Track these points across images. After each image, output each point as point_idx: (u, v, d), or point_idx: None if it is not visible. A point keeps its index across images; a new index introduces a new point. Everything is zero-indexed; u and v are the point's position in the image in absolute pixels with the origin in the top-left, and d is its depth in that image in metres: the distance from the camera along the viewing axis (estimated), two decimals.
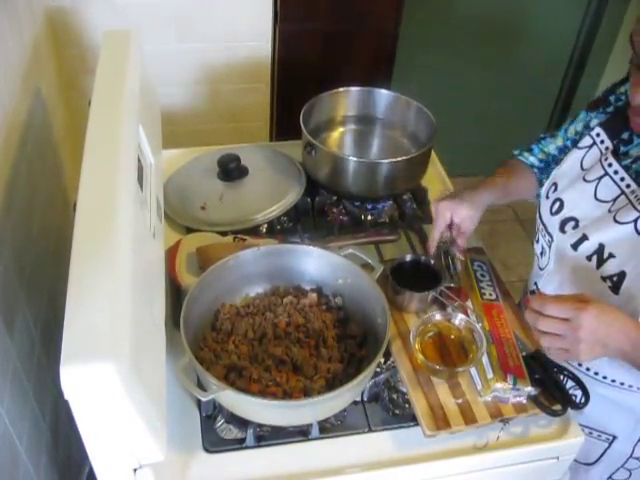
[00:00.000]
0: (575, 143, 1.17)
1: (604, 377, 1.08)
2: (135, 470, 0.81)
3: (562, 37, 2.72)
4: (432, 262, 1.17)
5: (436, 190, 1.52)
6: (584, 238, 1.03)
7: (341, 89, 1.55)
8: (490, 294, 1.16)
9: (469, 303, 1.15)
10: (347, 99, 1.57)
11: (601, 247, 1.00)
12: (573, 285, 1.07)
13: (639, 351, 0.89)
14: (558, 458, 1.05)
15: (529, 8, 2.59)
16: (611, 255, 0.99)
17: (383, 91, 1.56)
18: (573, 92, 2.87)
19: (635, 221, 0.96)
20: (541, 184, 1.24)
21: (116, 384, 0.67)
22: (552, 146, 1.24)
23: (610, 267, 0.99)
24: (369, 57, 2.03)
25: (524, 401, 1.02)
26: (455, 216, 1.15)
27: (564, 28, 2.70)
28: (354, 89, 1.55)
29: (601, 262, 1.00)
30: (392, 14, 1.96)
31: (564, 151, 1.20)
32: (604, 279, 1.00)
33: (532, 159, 1.26)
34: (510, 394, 1.01)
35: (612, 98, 1.10)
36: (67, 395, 0.67)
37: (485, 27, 2.57)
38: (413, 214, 1.46)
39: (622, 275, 0.97)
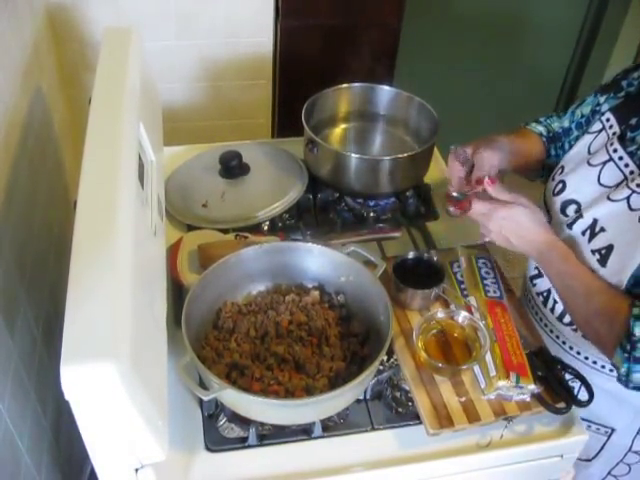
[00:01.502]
0: (580, 126, 1.18)
1: (602, 366, 1.09)
2: (137, 470, 0.81)
3: (565, 32, 2.71)
4: (435, 259, 1.17)
5: (439, 187, 1.52)
6: (579, 217, 1.04)
7: (343, 85, 1.54)
8: (494, 291, 1.16)
9: (473, 301, 1.14)
10: (349, 95, 1.56)
11: (594, 222, 1.01)
12: None
13: (545, 261, 1.02)
14: (562, 456, 1.05)
15: (531, 3, 2.58)
16: (602, 229, 0.99)
17: (385, 87, 1.55)
18: (576, 88, 2.86)
19: (628, 198, 0.96)
20: (548, 154, 1.26)
21: (117, 384, 0.67)
22: (556, 124, 1.25)
23: (600, 240, 0.99)
24: (371, 53, 2.02)
25: (528, 399, 1.01)
26: (473, 153, 1.15)
27: (567, 24, 2.69)
28: (356, 85, 1.55)
29: (593, 236, 1.01)
30: (394, 9, 1.95)
31: (568, 133, 1.22)
32: (593, 252, 1.00)
33: (540, 128, 1.26)
34: (513, 392, 1.01)
35: (624, 83, 1.09)
36: (67, 395, 0.67)
37: (488, 22, 2.56)
38: (416, 211, 1.45)
39: (610, 248, 0.97)
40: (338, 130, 1.58)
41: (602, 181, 1.03)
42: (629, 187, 0.97)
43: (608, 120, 1.07)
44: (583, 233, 1.02)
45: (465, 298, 1.15)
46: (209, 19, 1.83)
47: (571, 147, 1.17)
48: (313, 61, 1.99)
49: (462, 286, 1.18)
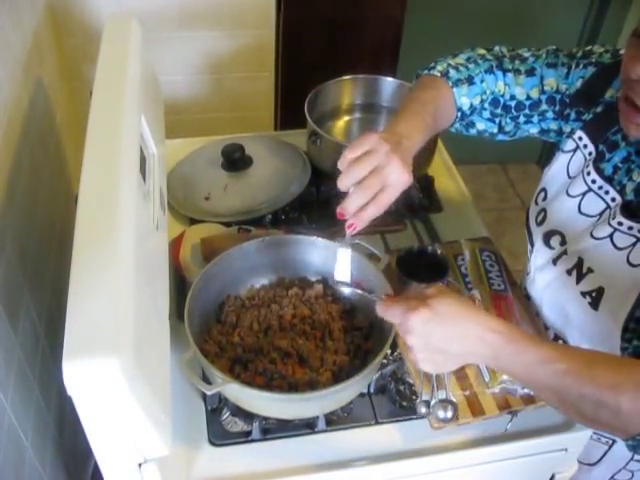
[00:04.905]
0: (552, 102, 1.07)
1: None
2: (140, 465, 0.80)
3: (566, 31, 2.71)
4: (439, 252, 1.16)
5: (442, 179, 1.51)
6: (564, 253, 1.00)
7: (346, 77, 1.53)
8: (499, 284, 1.15)
9: (477, 294, 1.13)
10: (352, 87, 1.55)
11: (580, 261, 0.97)
12: (553, 298, 1.05)
13: (504, 358, 0.76)
14: (566, 449, 1.04)
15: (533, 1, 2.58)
16: (590, 270, 0.95)
17: (388, 79, 1.54)
18: None
19: (610, 236, 0.93)
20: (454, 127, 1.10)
21: (119, 379, 0.66)
22: (517, 89, 1.07)
23: (589, 282, 0.95)
24: (374, 44, 2.01)
25: (532, 393, 1.01)
26: (389, 170, 0.84)
27: (568, 23, 2.69)
28: (359, 77, 1.54)
29: (580, 277, 0.97)
30: (397, 0, 1.94)
31: (536, 105, 1.08)
32: (584, 295, 0.96)
33: (464, 100, 1.04)
34: (518, 386, 1.00)
35: (601, 99, 1.02)
36: (70, 391, 0.67)
37: (490, 14, 2.55)
38: (419, 203, 1.44)
39: (600, 291, 0.93)
40: (341, 122, 1.57)
41: (583, 210, 0.99)
42: (610, 225, 0.93)
43: (581, 139, 1.02)
44: (569, 272, 0.99)
45: (469, 291, 1.14)
46: (211, 11, 1.82)
47: (540, 121, 1.10)
48: (316, 53, 1.98)
49: (466, 279, 1.17)
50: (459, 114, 1.05)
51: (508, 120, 1.11)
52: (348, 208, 0.84)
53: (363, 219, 0.85)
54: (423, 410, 0.94)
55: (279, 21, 1.89)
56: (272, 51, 1.95)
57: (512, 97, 1.09)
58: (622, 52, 0.98)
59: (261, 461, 0.97)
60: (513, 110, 1.10)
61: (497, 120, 1.12)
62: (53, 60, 1.67)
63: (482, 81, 1.06)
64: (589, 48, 1.05)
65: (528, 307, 1.13)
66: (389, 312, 0.82)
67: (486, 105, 1.09)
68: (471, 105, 1.05)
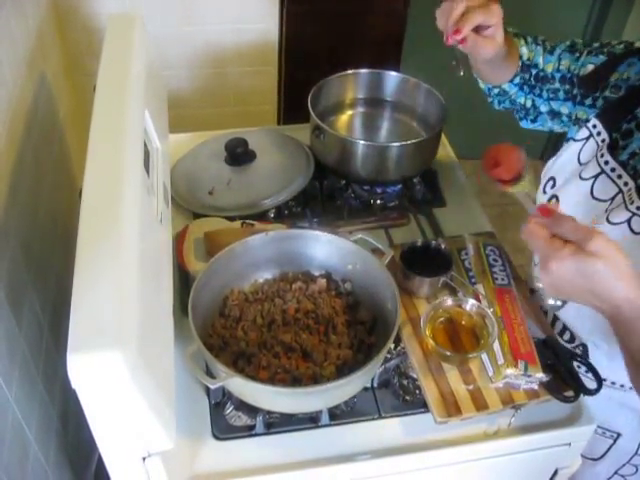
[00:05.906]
0: (564, 81, 1.11)
1: (604, 379, 1.05)
2: (144, 458, 0.81)
3: (569, 30, 2.70)
4: (443, 246, 1.16)
5: (446, 174, 1.51)
6: None
7: (349, 71, 1.53)
8: (502, 279, 1.15)
9: (481, 288, 1.13)
10: (356, 81, 1.55)
11: None
12: None
13: (623, 334, 0.76)
14: (570, 444, 1.04)
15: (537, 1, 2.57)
16: None
17: (392, 73, 1.54)
18: None
19: (628, 221, 0.92)
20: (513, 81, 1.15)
21: (123, 373, 0.66)
22: (540, 58, 1.13)
23: None
24: (378, 39, 2.00)
25: (536, 387, 1.01)
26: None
27: (570, 24, 2.68)
28: (363, 71, 1.53)
29: None
30: None
31: (547, 81, 1.13)
32: None
33: (524, 50, 1.13)
34: (521, 380, 1.00)
35: (611, 81, 1.03)
36: (74, 384, 0.67)
37: None
38: (423, 198, 1.44)
39: None
40: (345, 117, 1.57)
41: (596, 195, 0.99)
42: (628, 209, 0.92)
43: (595, 127, 1.02)
44: None
45: (473, 286, 1.14)
46: (214, 5, 1.82)
47: (550, 99, 1.13)
48: (319, 47, 1.98)
49: (470, 274, 1.17)
50: (520, 63, 1.12)
51: (527, 90, 1.16)
52: (454, 15, 1.02)
53: (469, 19, 1.01)
54: (540, 285, 0.91)
55: (282, 15, 1.89)
56: (275, 45, 1.94)
57: (535, 65, 1.14)
58: (637, 44, 1.00)
59: (265, 455, 0.97)
60: (532, 78, 1.14)
61: (525, 89, 1.16)
62: (57, 55, 1.67)
63: (525, 43, 1.14)
64: (607, 41, 1.09)
65: (532, 301, 1.13)
66: (533, 240, 0.77)
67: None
68: (528, 58, 1.13)
